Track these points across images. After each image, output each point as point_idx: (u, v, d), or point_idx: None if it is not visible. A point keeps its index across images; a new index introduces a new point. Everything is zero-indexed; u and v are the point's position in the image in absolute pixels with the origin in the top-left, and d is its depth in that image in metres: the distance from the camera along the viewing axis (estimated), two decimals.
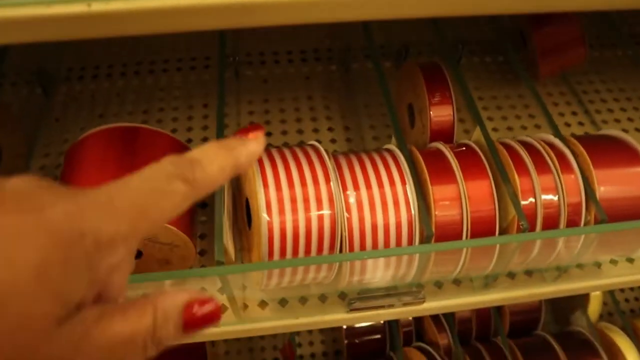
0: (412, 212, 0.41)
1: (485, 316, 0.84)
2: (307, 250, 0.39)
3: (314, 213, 0.38)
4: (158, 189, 0.25)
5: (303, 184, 0.39)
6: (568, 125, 0.67)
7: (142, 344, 0.24)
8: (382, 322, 0.80)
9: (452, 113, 0.51)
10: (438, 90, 0.50)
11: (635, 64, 0.74)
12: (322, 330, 0.90)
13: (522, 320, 0.86)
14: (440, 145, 0.47)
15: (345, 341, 0.80)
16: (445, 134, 0.50)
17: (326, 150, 0.43)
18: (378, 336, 0.81)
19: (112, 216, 0.23)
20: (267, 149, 0.42)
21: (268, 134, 0.62)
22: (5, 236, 0.20)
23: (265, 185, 0.38)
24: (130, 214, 0.24)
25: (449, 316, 0.81)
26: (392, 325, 0.80)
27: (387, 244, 0.40)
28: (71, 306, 0.22)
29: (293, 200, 0.38)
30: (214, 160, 0.27)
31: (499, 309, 0.86)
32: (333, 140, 0.62)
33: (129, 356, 0.24)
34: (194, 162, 0.27)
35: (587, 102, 0.70)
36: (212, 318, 0.26)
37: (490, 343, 0.82)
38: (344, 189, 0.40)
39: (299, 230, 0.38)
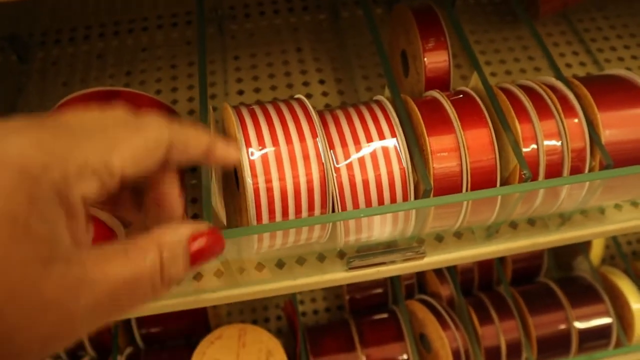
0: (404, 165, 0.39)
1: (488, 266, 0.83)
2: (298, 211, 0.37)
3: (301, 171, 0.36)
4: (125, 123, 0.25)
5: (288, 141, 0.36)
6: (569, 66, 0.64)
7: (149, 284, 0.23)
8: None
9: (447, 59, 0.48)
10: (432, 34, 0.47)
11: None
12: None
13: (525, 268, 0.86)
14: (436, 94, 0.44)
15: (347, 296, 0.79)
16: (441, 82, 0.48)
17: (313, 106, 0.40)
18: (380, 290, 0.80)
19: (75, 146, 0.22)
20: (250, 106, 0.39)
21: (256, 90, 0.59)
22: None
23: (248, 145, 0.36)
24: (97, 140, 0.23)
25: (451, 267, 0.80)
26: (393, 278, 0.79)
27: (380, 200, 0.39)
28: (54, 245, 0.21)
29: (278, 160, 0.36)
30: None
31: (501, 258, 0.85)
32: (325, 94, 0.59)
33: (136, 298, 0.23)
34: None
35: (589, 40, 0.67)
36: (215, 249, 0.26)
37: (492, 292, 0.82)
38: (331, 146, 0.38)
39: (287, 190, 0.36)
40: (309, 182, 0.37)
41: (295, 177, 0.36)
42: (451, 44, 0.49)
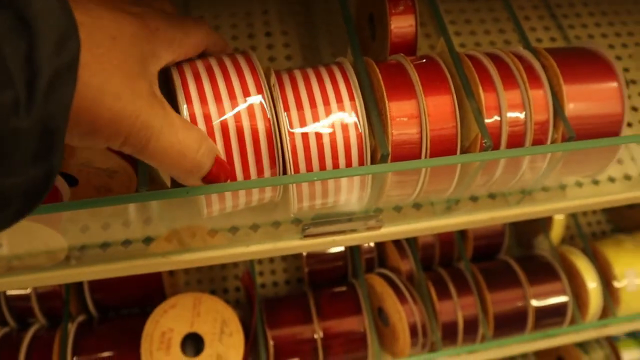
0: (361, 131, 0.37)
1: (449, 241, 0.83)
2: (245, 169, 0.35)
3: (246, 127, 0.34)
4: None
5: (232, 96, 0.34)
6: (540, 40, 0.63)
7: (191, 156, 0.32)
8: (343, 248, 0.79)
9: (414, 24, 0.46)
10: None
11: None
12: (284, 258, 0.89)
13: (486, 245, 0.86)
14: (400, 58, 0.42)
15: (307, 269, 0.78)
16: (406, 47, 0.46)
17: (276, 70, 0.38)
18: (340, 263, 0.79)
19: (168, 26, 0.33)
20: (191, 60, 0.37)
21: None
22: (111, 20, 0.29)
23: (189, 101, 0.34)
24: (181, 28, 0.34)
25: (412, 242, 0.80)
26: (353, 251, 0.79)
27: (335, 166, 0.37)
28: (148, 73, 0.31)
29: (221, 116, 0.34)
30: None
31: (462, 234, 0.85)
32: (289, 58, 0.57)
33: (180, 161, 0.31)
34: None
35: (561, 16, 0.66)
36: (221, 174, 0.34)
37: (452, 268, 0.82)
38: (286, 108, 0.36)
39: (232, 150, 0.34)
40: (255, 142, 0.35)
41: (241, 137, 0.34)
42: (420, 12, 0.47)
